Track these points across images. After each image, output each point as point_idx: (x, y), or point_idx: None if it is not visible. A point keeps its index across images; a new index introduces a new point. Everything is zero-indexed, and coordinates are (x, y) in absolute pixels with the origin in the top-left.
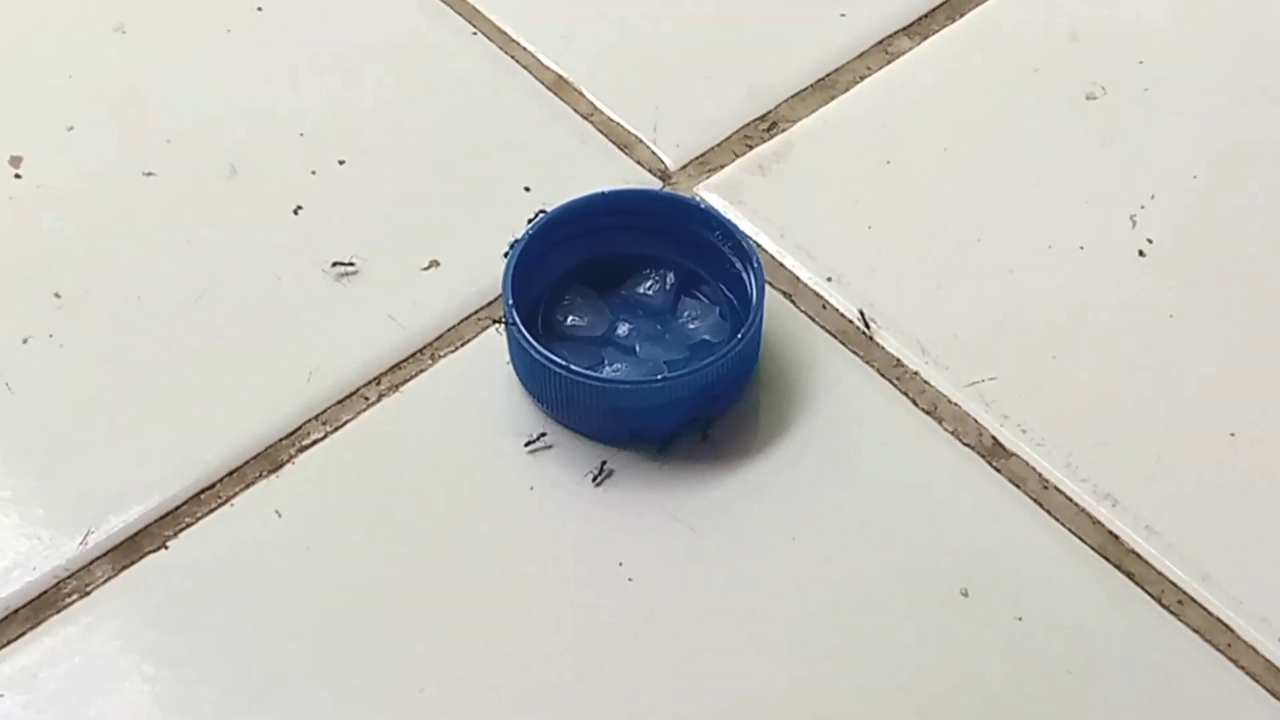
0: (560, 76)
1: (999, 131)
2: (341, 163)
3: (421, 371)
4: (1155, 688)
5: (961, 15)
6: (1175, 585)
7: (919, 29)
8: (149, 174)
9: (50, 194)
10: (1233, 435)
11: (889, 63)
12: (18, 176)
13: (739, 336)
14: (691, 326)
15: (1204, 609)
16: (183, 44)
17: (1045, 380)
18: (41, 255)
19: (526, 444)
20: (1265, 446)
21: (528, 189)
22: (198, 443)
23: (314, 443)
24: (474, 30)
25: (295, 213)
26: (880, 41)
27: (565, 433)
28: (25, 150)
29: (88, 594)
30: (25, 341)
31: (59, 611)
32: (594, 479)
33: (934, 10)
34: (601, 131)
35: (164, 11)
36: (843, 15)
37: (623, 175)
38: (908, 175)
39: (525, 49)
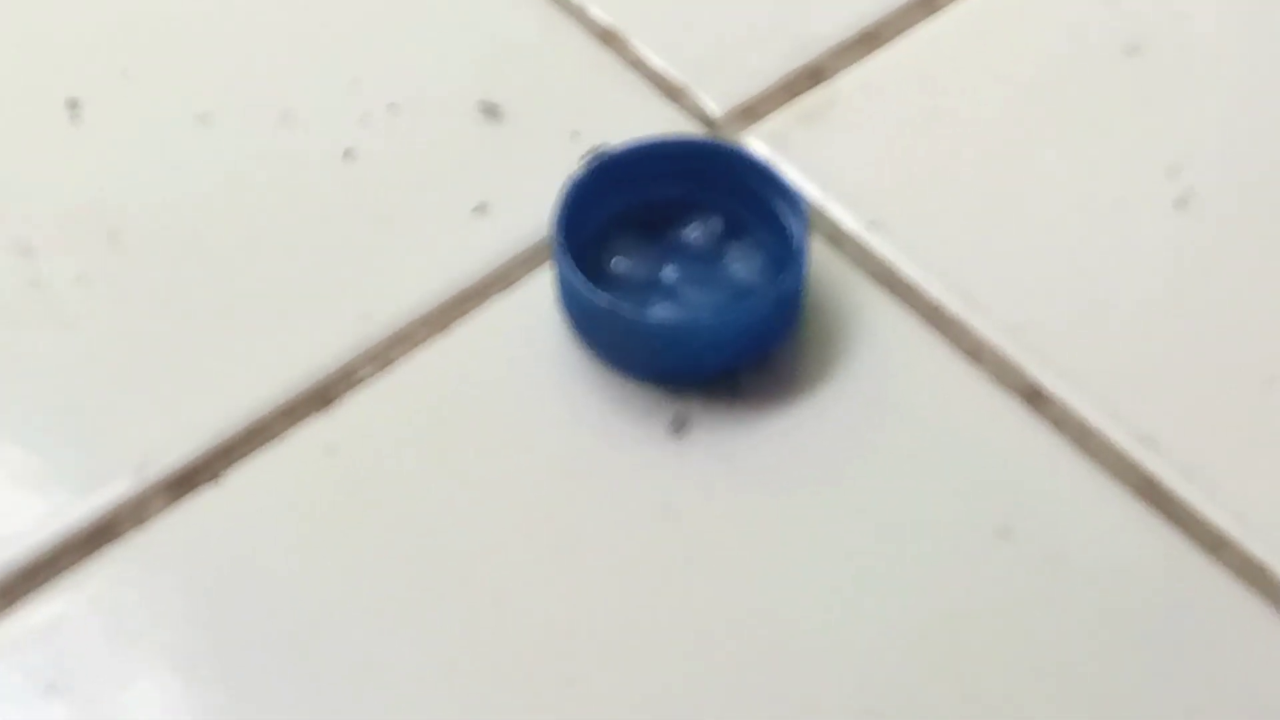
0: (608, 27)
1: (1040, 84)
2: (392, 108)
3: (470, 312)
4: (1192, 627)
5: None
6: (1215, 528)
7: None
8: (203, 118)
9: (106, 137)
10: (1272, 380)
11: (933, 15)
12: (75, 119)
13: (783, 277)
14: (737, 271)
15: (1242, 551)
16: None
17: (1085, 326)
18: (97, 197)
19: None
20: None
21: (576, 134)
22: (250, 380)
23: (364, 380)
24: None
25: (345, 157)
26: None
27: (613, 373)
28: (82, 93)
29: (143, 524)
30: (82, 280)
31: (115, 541)
32: (670, 427)
33: None
34: (648, 80)
35: None
36: None
37: (669, 123)
38: (950, 127)
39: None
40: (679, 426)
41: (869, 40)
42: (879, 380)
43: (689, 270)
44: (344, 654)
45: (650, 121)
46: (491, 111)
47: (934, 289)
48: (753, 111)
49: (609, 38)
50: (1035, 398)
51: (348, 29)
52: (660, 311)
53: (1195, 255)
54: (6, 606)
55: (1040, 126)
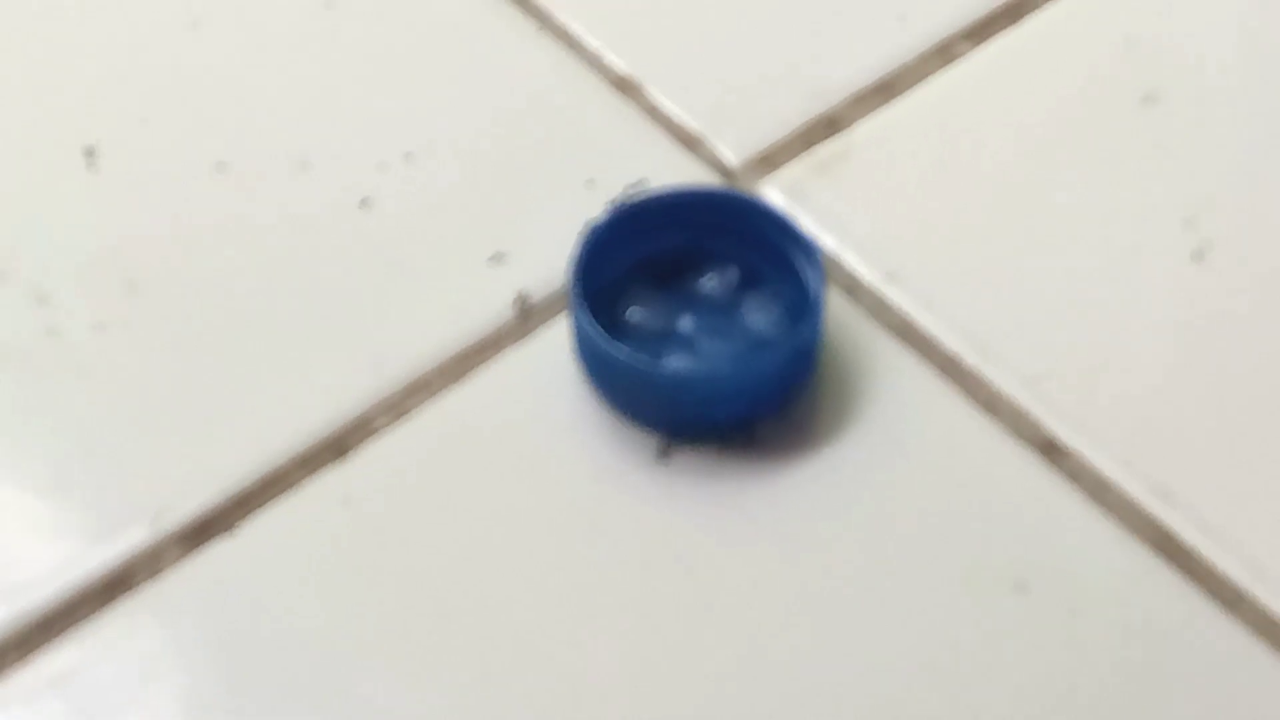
0: (625, 75)
1: (1057, 134)
2: (408, 156)
3: (486, 362)
4: (1209, 683)
5: (1021, 19)
6: (1231, 582)
7: (979, 32)
8: (220, 166)
9: (123, 185)
10: None
11: (948, 65)
12: (92, 168)
13: (800, 329)
14: (753, 322)
15: (1259, 606)
16: (255, 39)
17: (1102, 378)
18: (115, 245)
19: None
20: None
21: (591, 182)
22: (266, 429)
23: (380, 430)
24: (540, 27)
25: (361, 205)
26: (940, 44)
27: (628, 423)
28: (99, 142)
29: (158, 575)
30: (99, 328)
31: (130, 593)
32: (658, 457)
33: (994, 14)
34: (665, 129)
35: (237, 7)
36: (902, 17)
37: (685, 172)
38: (967, 176)
39: (590, 47)
40: (689, 476)
41: (885, 90)
42: (895, 432)
43: (706, 321)
44: (361, 704)
45: (667, 170)
46: (507, 160)
47: (950, 340)
48: (770, 161)
49: (625, 86)
50: (1051, 450)
51: (364, 78)
52: (676, 363)
53: (1212, 307)
54: (21, 657)
55: (1057, 176)
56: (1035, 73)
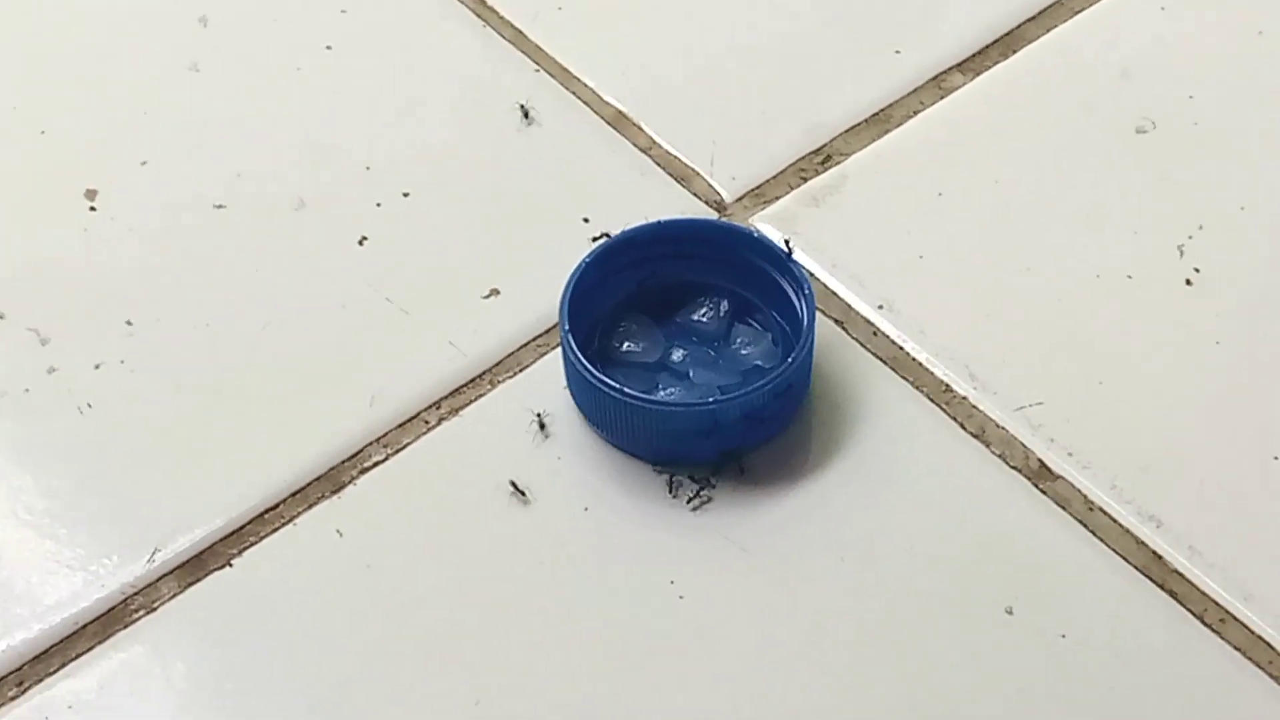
0: (620, 112)
1: (1050, 164)
2: (406, 195)
3: (481, 396)
4: (1197, 704)
5: (1015, 52)
6: (1218, 604)
7: (973, 65)
8: (219, 206)
9: (123, 226)
10: (1276, 459)
11: (942, 98)
12: (93, 209)
13: (789, 361)
14: (745, 352)
15: (1246, 627)
16: (254, 82)
17: (1091, 405)
18: (114, 284)
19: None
20: None
21: (587, 220)
22: (262, 464)
23: (375, 465)
24: (537, 68)
25: (360, 243)
26: (934, 77)
27: (620, 454)
28: (100, 184)
29: (154, 610)
30: (98, 367)
31: (127, 627)
32: (689, 502)
33: (988, 47)
34: (660, 165)
35: (236, 51)
36: (898, 52)
37: (680, 207)
38: (959, 207)
39: (586, 85)
40: (682, 505)
41: (879, 123)
42: (886, 459)
43: (697, 352)
44: None
45: (662, 205)
46: (503, 197)
47: (941, 369)
48: (762, 194)
49: (620, 122)
50: (1041, 476)
51: (363, 119)
52: (668, 394)
53: (1203, 334)
54: (20, 691)
55: (1049, 206)
56: (1028, 104)
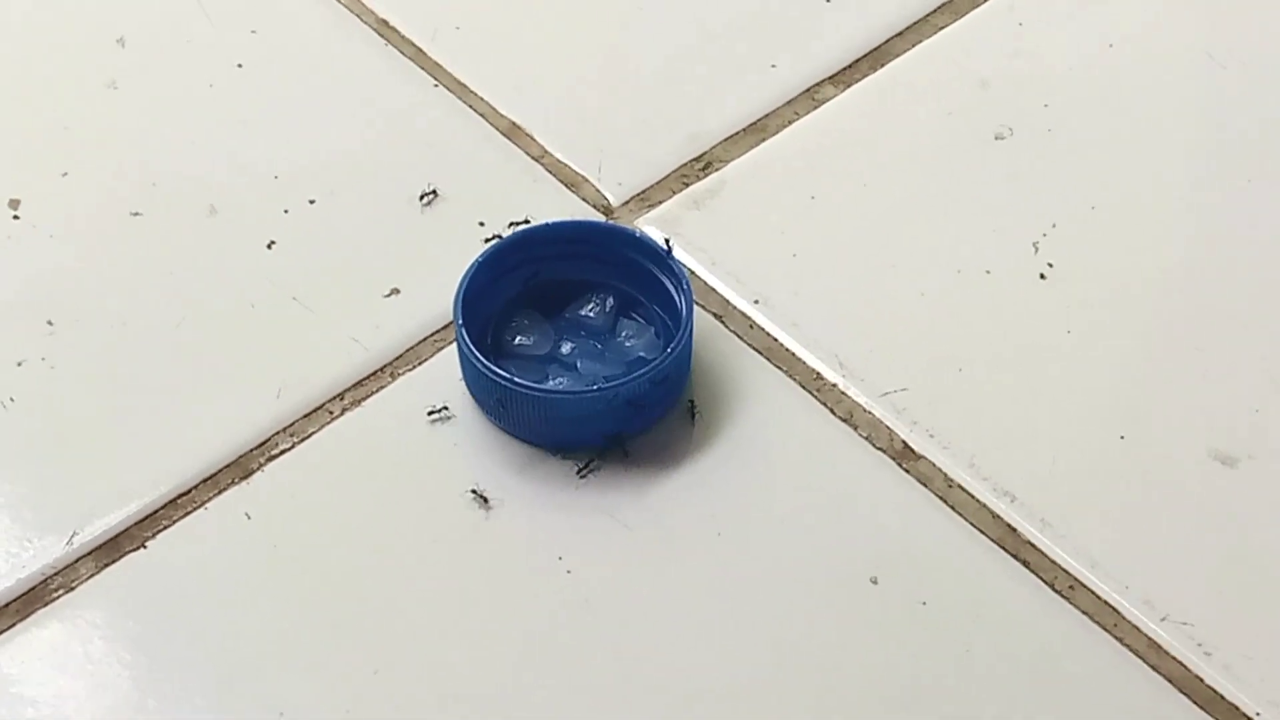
0: (514, 123)
1: (915, 169)
2: (312, 202)
3: (382, 388)
4: (1048, 664)
5: (883, 65)
6: (1067, 572)
7: (844, 78)
8: (136, 214)
9: (44, 233)
10: (1122, 438)
11: (815, 108)
12: (15, 217)
13: (668, 351)
14: (629, 344)
15: (1093, 593)
16: (169, 98)
17: (952, 390)
18: (37, 288)
19: (429, 413)
20: (1150, 448)
21: (482, 224)
22: (175, 453)
23: (282, 453)
24: (435, 83)
25: (269, 247)
26: (808, 89)
27: (514, 441)
28: (23, 194)
29: (73, 589)
30: (20, 364)
31: (46, 605)
32: (579, 473)
33: (858, 60)
34: (551, 172)
35: (153, 69)
36: (774, 66)
37: (570, 211)
38: (831, 210)
39: (482, 98)
40: (569, 486)
41: (756, 132)
42: (762, 442)
43: (584, 345)
44: (266, 705)
45: (552, 210)
46: (404, 203)
47: (813, 358)
48: (647, 199)
49: (514, 132)
50: (905, 456)
51: (272, 131)
52: (556, 383)
53: (1055, 324)
54: None
55: (915, 207)
56: (896, 113)
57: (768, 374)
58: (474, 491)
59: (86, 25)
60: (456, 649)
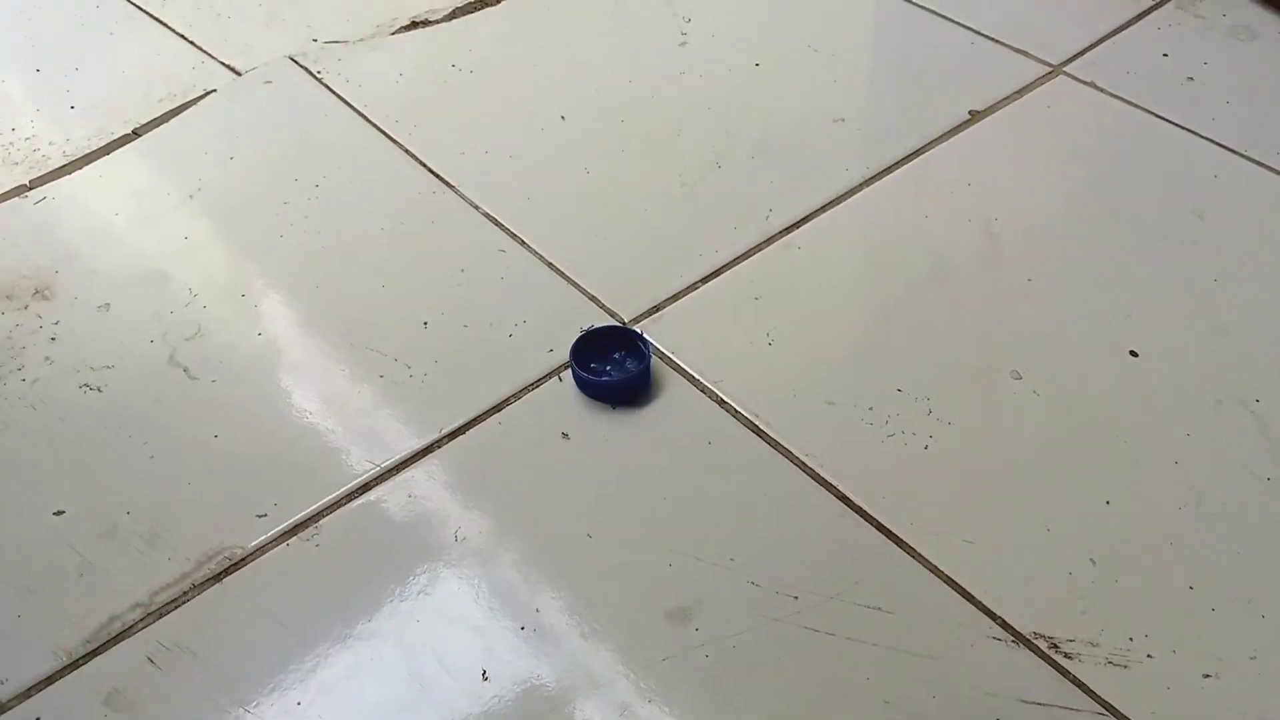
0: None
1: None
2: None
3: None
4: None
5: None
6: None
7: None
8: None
9: None
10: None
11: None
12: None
13: (642, 370)
14: (628, 367)
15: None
16: None
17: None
18: None
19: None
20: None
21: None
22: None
23: (509, 404)
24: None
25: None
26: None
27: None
28: None
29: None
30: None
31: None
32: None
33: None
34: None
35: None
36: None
37: (595, 318)
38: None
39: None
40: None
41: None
42: (672, 418)
43: (615, 366)
44: None
45: (582, 317)
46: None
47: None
48: (642, 311)
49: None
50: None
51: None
52: (603, 378)
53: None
54: None
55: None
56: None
57: (687, 390)
58: (563, 434)
59: None
60: None
